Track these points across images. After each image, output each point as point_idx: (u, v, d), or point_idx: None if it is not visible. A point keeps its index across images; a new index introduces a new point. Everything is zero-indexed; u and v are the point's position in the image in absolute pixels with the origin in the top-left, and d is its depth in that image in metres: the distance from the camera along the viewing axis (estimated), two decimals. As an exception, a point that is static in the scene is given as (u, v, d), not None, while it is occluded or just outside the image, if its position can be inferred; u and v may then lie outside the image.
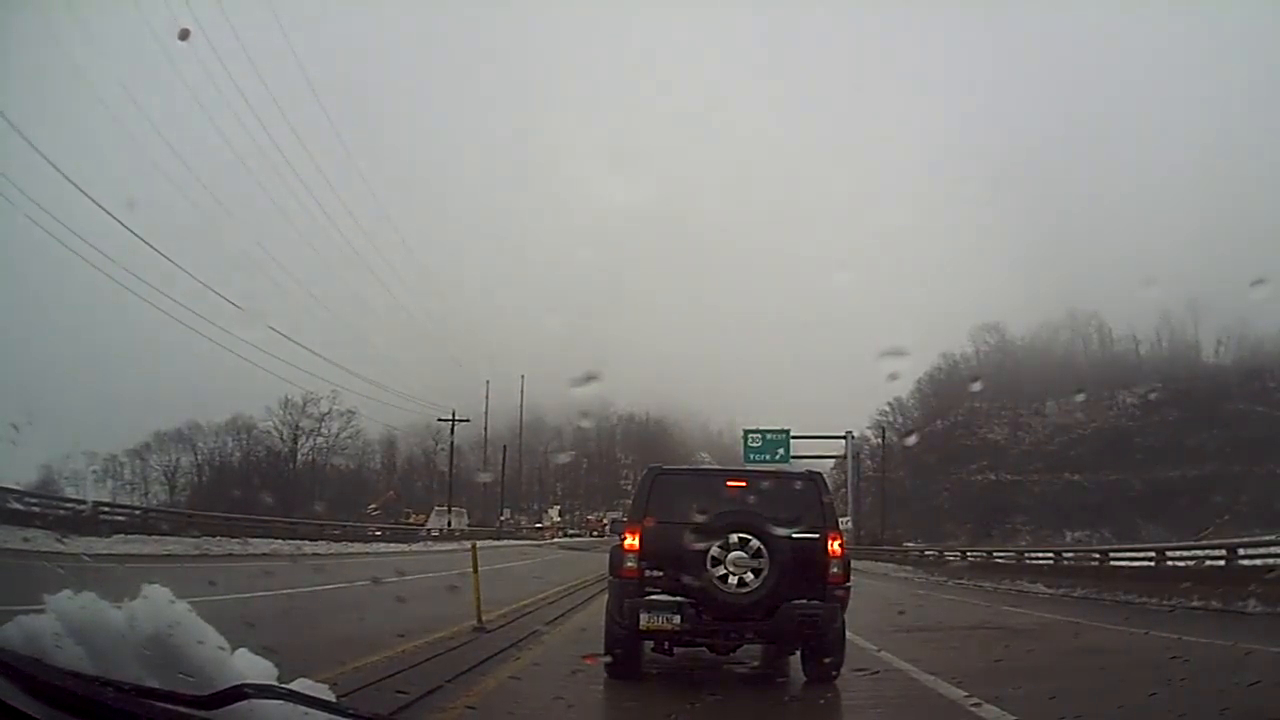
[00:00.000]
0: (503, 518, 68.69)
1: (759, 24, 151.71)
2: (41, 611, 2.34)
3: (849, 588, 7.29)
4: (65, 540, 17.05)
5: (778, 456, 47.60)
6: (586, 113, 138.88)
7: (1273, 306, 71.78)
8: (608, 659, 7.39)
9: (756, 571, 6.84)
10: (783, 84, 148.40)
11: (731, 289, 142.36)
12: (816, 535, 7.15)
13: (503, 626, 10.41)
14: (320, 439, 71.58)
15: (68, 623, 2.31)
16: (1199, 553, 19.97)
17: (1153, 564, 19.62)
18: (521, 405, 74.67)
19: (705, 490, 7.66)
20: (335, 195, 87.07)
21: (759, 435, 48.98)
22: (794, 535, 6.98)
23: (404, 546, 41.08)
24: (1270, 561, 16.09)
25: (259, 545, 27.23)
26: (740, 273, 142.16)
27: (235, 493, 58.26)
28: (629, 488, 55.07)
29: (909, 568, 36.99)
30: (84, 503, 30.09)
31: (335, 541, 35.44)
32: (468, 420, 63.11)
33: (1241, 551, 17.45)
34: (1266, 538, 22.13)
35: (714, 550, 6.86)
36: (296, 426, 69.52)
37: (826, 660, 7.29)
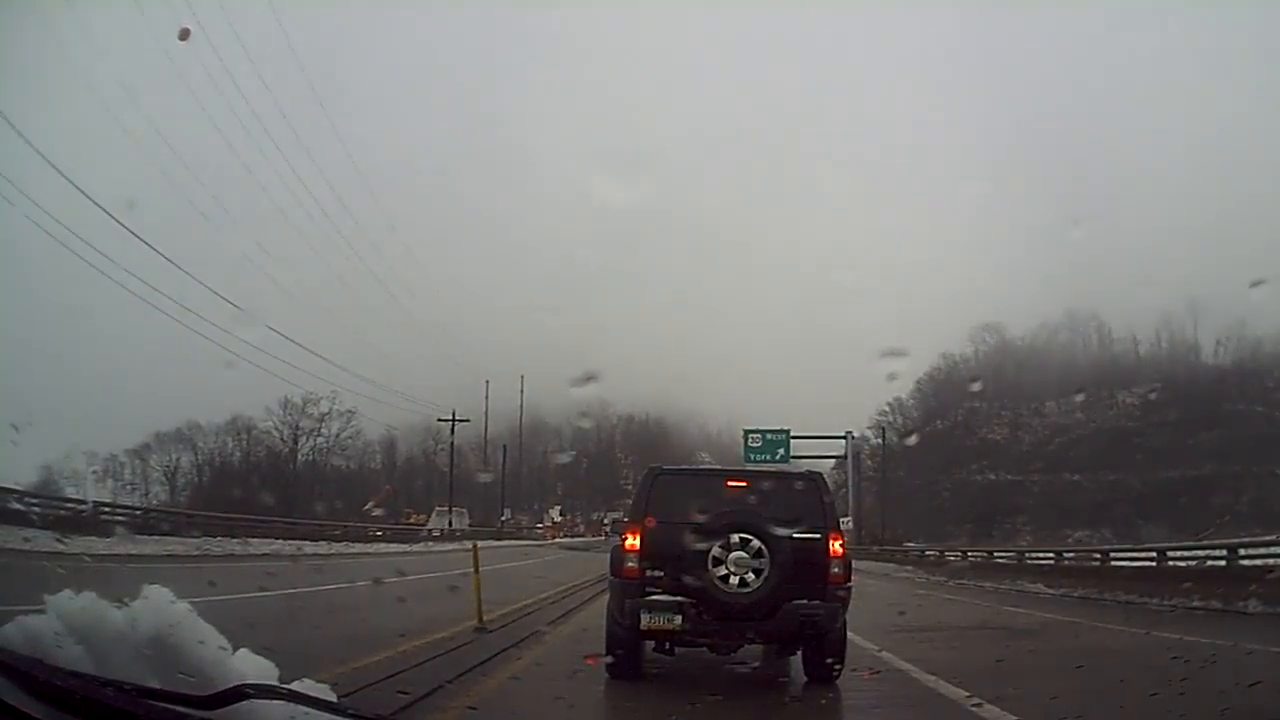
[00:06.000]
0: (503, 518, 68.67)
1: (758, 23, 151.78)
2: (42, 611, 2.34)
3: (850, 588, 7.28)
4: (65, 540, 17.03)
5: (778, 456, 47.59)
6: (587, 113, 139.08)
7: (1273, 306, 71.68)
8: (609, 659, 7.38)
9: (757, 571, 6.83)
10: (782, 84, 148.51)
11: (732, 289, 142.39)
12: (817, 535, 7.14)
13: (504, 626, 10.41)
14: (320, 439, 71.51)
15: (68, 623, 2.30)
16: (1200, 553, 19.95)
17: (1153, 564, 19.60)
18: (521, 405, 74.77)
19: (706, 490, 7.65)
20: (335, 195, 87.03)
21: (759, 435, 48.97)
22: (795, 535, 6.96)
23: (405, 547, 41.08)
24: (1271, 562, 16.08)
25: (259, 545, 27.24)
26: (740, 273, 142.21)
27: (235, 493, 58.14)
28: (629, 488, 55.06)
29: (909, 568, 36.96)
30: (84, 503, 30.06)
31: (336, 541, 35.43)
32: (468, 420, 63.14)
33: (1242, 552, 17.43)
34: (1267, 538, 22.15)
35: (715, 550, 6.86)
36: (296, 426, 69.44)
37: (828, 660, 7.28)
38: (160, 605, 2.36)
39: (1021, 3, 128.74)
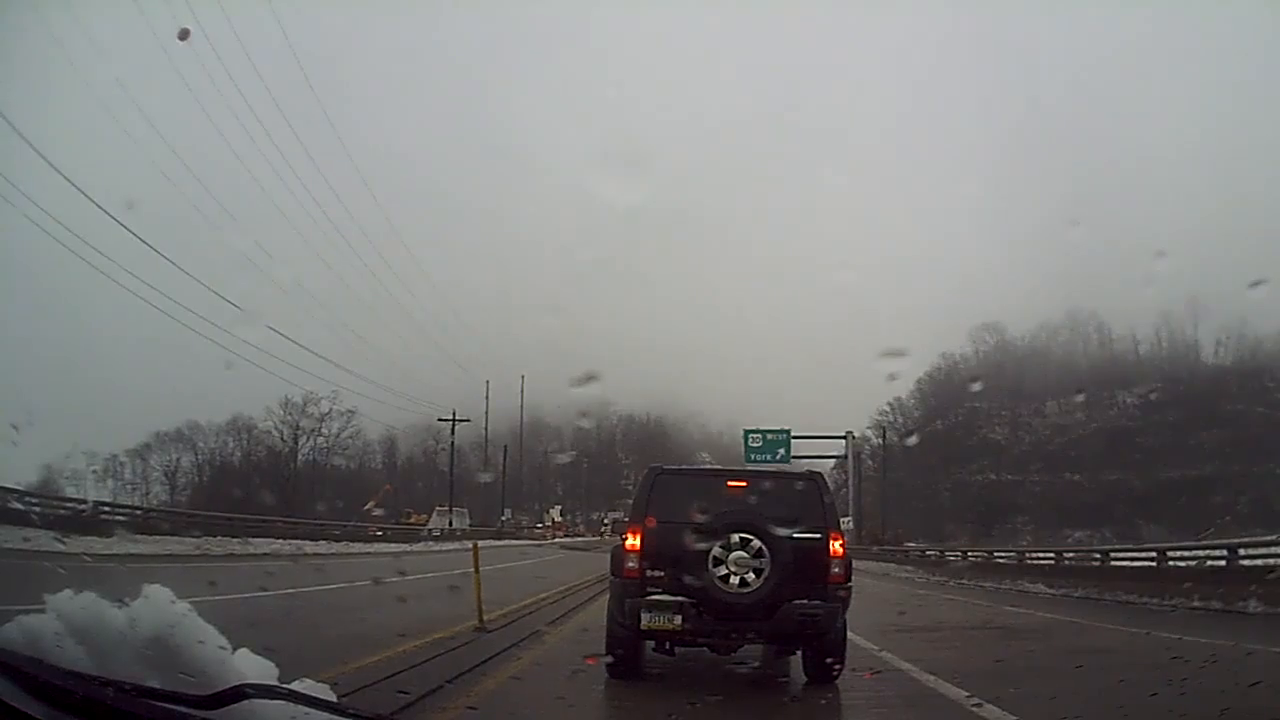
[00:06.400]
0: (503, 518, 68.69)
1: (757, 23, 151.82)
2: (42, 611, 2.34)
3: (850, 588, 7.28)
4: (65, 540, 17.04)
5: (778, 456, 47.56)
6: (587, 112, 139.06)
7: (1273, 306, 71.66)
8: (609, 659, 7.38)
9: (758, 571, 6.84)
10: (782, 84, 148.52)
11: (732, 289, 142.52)
12: (818, 535, 7.14)
13: (504, 626, 10.41)
14: (320, 439, 71.38)
15: (68, 623, 2.30)
16: (1200, 553, 19.91)
17: (1154, 564, 19.59)
18: (521, 405, 74.77)
19: (706, 490, 7.65)
20: (335, 195, 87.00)
21: (759, 435, 48.94)
22: (795, 535, 6.97)
23: (405, 546, 41.08)
24: (1271, 562, 16.04)
25: (260, 545, 27.27)
26: (741, 273, 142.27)
27: (236, 493, 58.09)
28: (629, 488, 55.08)
29: (910, 568, 36.95)
30: (84, 503, 30.12)
31: (336, 541, 35.44)
32: (468, 420, 63.19)
33: (1242, 552, 17.41)
34: (1267, 538, 22.08)
35: (715, 550, 6.86)
36: (296, 426, 69.27)
37: (828, 660, 7.29)
38: (160, 605, 2.36)
39: (1022, 1, 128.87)
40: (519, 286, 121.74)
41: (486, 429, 69.65)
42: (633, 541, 7.16)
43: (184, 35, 25.04)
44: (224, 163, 39.34)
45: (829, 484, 8.05)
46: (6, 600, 3.65)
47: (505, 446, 72.44)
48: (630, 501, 7.98)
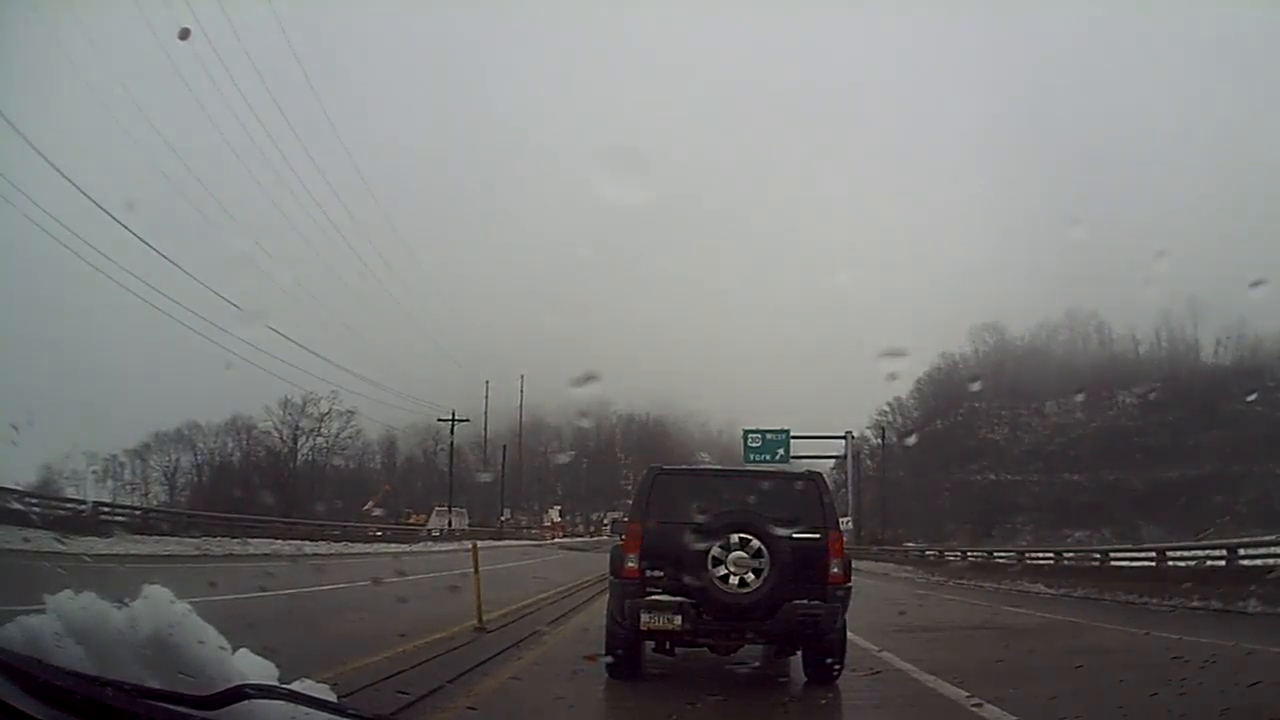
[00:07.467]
0: (503, 518, 68.68)
1: (757, 22, 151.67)
2: (42, 611, 2.34)
3: (850, 588, 7.29)
4: (65, 540, 17.04)
5: (778, 456, 47.62)
6: (586, 111, 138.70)
7: (1273, 306, 71.75)
8: (609, 659, 7.38)
9: (757, 571, 6.84)
10: (782, 82, 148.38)
11: (732, 288, 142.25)
12: (817, 535, 7.15)
13: (504, 627, 10.41)
14: (320, 439, 71.34)
15: (68, 623, 2.30)
16: (1199, 553, 19.93)
17: (1153, 564, 19.61)
18: (521, 405, 74.69)
19: (706, 490, 7.65)
20: (335, 195, 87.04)
21: (759, 435, 48.99)
22: (795, 535, 6.97)
23: (405, 547, 41.07)
24: (1271, 562, 16.07)
25: (259, 545, 27.30)
26: (740, 272, 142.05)
27: (235, 493, 58.00)
28: (629, 488, 55.09)
29: (909, 568, 36.97)
30: (84, 503, 30.08)
31: (335, 542, 35.45)
32: (468, 420, 63.17)
33: (1242, 552, 17.44)
34: (1267, 538, 22.09)
35: (715, 550, 6.86)
36: (296, 426, 69.23)
37: (827, 660, 7.29)
38: (160, 605, 2.36)
39: (1017, 6, 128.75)
40: (519, 286, 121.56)
41: (486, 429, 69.75)
42: (632, 541, 7.17)
43: (184, 35, 25.07)
44: (224, 163, 39.39)
45: (828, 484, 8.05)
46: (6, 600, 3.65)
47: (505, 446, 72.39)
48: (630, 501, 7.98)
